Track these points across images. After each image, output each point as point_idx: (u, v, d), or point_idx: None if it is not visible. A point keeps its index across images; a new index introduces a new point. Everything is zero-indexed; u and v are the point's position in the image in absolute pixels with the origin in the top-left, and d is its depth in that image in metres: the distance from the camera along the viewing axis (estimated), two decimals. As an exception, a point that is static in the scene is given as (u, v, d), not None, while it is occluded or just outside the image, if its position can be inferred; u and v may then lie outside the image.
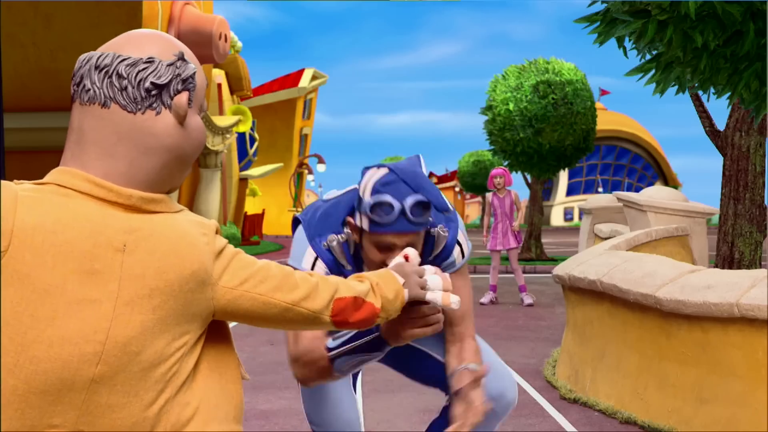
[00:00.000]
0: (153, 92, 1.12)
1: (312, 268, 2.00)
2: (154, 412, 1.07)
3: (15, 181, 1.13)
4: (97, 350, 1.03)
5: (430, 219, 1.91)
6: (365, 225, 1.88)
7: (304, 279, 1.26)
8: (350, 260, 2.02)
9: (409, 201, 1.80)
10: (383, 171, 1.86)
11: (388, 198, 1.81)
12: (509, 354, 6.21)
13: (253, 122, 22.96)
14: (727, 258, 6.97)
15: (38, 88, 12.83)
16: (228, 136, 18.72)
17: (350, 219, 1.96)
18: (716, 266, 6.99)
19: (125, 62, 1.11)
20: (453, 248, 2.06)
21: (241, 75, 22.92)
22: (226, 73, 22.47)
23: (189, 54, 1.18)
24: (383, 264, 1.84)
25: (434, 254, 2.03)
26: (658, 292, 4.09)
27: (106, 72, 1.11)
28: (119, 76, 1.10)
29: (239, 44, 24.00)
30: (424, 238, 1.99)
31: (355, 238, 1.96)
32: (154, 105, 1.12)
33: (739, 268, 6.87)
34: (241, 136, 23.08)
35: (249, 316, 1.20)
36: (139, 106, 1.11)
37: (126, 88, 1.10)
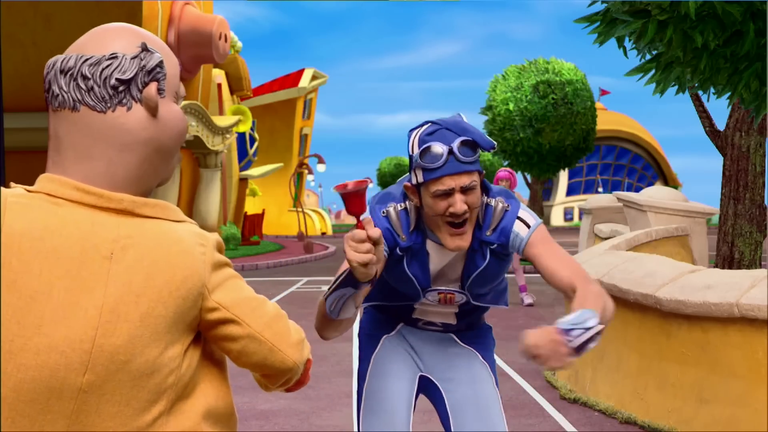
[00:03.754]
0: (120, 88, 1.09)
1: None
2: (147, 422, 1.05)
3: (11, 184, 1.12)
4: (84, 359, 1.01)
5: (476, 160, 1.93)
6: (420, 177, 1.93)
7: (297, 329, 1.23)
8: (406, 231, 2.05)
9: (456, 141, 1.88)
10: (426, 126, 1.95)
11: (435, 143, 1.89)
12: (509, 354, 6.20)
13: (253, 122, 22.97)
14: (727, 258, 6.98)
15: (38, 88, 12.84)
16: (228, 136, 18.72)
17: (407, 184, 2.01)
18: (716, 266, 6.99)
19: (88, 62, 1.09)
20: (513, 222, 2.04)
21: (241, 75, 22.92)
22: (226, 73, 22.47)
23: (154, 43, 1.15)
24: (448, 215, 1.91)
25: (493, 226, 2.04)
26: (658, 292, 4.09)
27: (71, 75, 1.09)
28: (84, 77, 1.08)
29: (239, 44, 24.00)
30: (484, 209, 2.04)
31: (415, 202, 2.01)
32: (124, 101, 1.09)
33: (739, 268, 6.87)
34: (241, 136, 23.09)
35: (227, 343, 1.15)
36: (109, 105, 1.09)
37: (92, 88, 1.08)
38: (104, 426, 1.03)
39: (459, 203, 1.90)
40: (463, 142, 1.88)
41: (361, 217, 1.52)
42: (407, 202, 2.05)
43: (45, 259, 1.02)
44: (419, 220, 2.05)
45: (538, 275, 13.75)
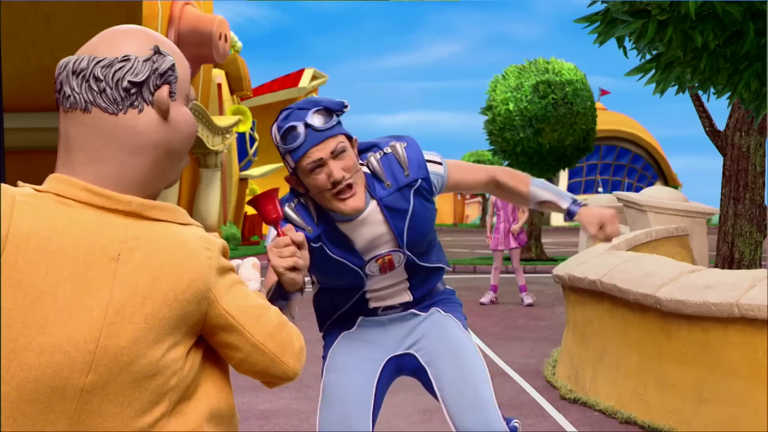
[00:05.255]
0: (132, 91, 1.09)
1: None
2: (149, 423, 1.05)
3: (19, 183, 1.12)
4: (88, 359, 1.01)
5: (336, 124, 1.96)
6: (291, 161, 1.97)
7: (298, 335, 1.24)
8: (311, 223, 2.07)
9: (309, 114, 1.93)
10: (280, 114, 2.00)
11: (288, 122, 1.94)
12: (509, 354, 6.20)
13: (253, 122, 22.96)
14: (727, 258, 6.97)
15: (38, 88, 12.83)
16: (228, 136, 18.72)
17: (287, 177, 2.04)
18: (716, 266, 6.99)
19: (100, 64, 1.09)
20: (422, 156, 2.12)
21: (241, 75, 22.91)
22: (226, 73, 22.46)
23: (166, 45, 1.15)
24: (335, 185, 1.95)
25: (406, 165, 2.09)
26: (658, 292, 4.09)
27: (83, 76, 1.08)
28: (96, 79, 1.08)
29: (239, 44, 24.00)
30: (382, 164, 2.09)
31: (302, 190, 2.05)
32: (135, 103, 1.10)
33: (739, 268, 6.87)
34: (241, 136, 23.08)
35: (229, 351, 1.16)
36: (120, 107, 1.09)
37: (104, 90, 1.08)
38: (106, 426, 1.03)
39: (336, 170, 1.93)
40: (315, 112, 1.92)
41: (281, 225, 1.54)
42: (299, 198, 2.09)
43: (52, 259, 1.02)
44: (318, 208, 2.07)
45: (538, 275, 13.77)
